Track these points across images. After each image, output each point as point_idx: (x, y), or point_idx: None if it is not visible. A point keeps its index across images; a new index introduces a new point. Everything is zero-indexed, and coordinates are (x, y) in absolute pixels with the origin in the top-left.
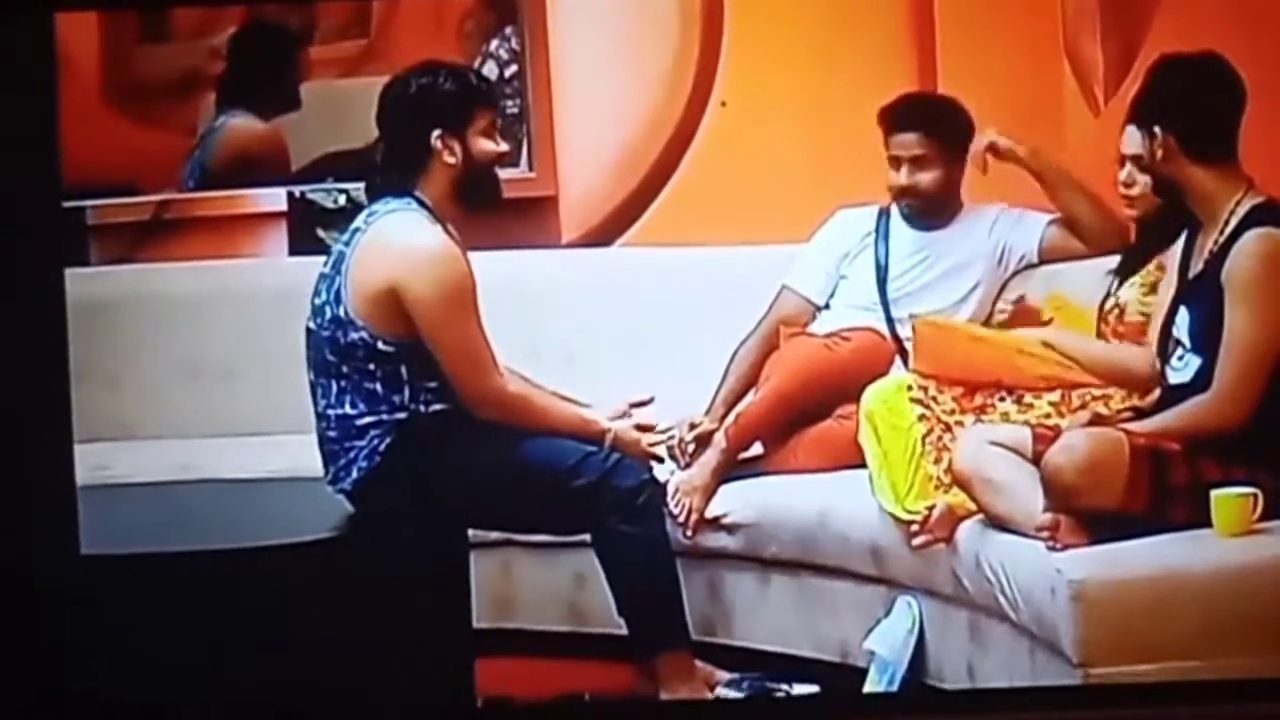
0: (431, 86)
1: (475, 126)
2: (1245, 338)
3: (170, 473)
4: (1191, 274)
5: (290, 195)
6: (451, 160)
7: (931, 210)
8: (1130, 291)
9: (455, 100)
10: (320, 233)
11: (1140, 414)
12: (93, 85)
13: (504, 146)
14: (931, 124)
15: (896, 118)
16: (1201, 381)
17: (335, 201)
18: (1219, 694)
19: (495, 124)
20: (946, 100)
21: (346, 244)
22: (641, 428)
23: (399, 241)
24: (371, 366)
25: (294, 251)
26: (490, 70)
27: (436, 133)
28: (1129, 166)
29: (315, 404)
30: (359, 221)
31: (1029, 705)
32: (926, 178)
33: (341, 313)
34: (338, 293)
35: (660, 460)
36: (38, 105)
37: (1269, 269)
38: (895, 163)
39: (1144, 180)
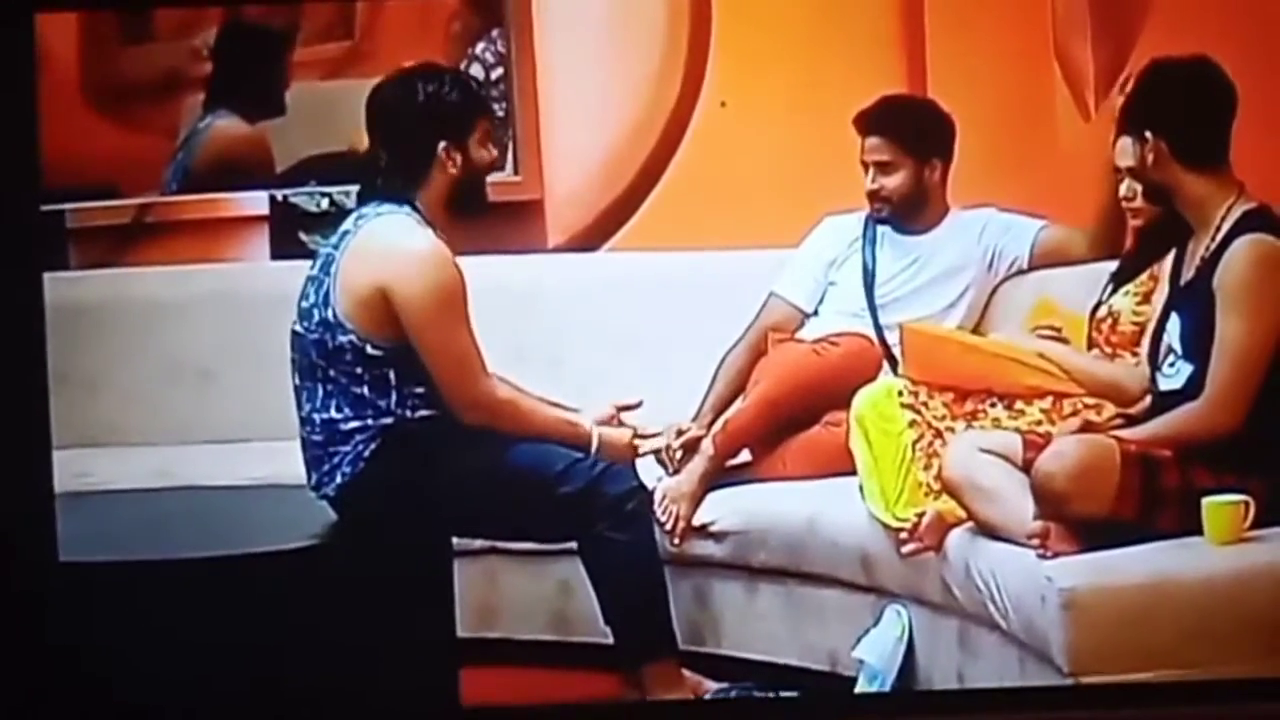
0: (439, 95)
1: (475, 136)
2: (1236, 343)
3: (150, 479)
4: (1183, 280)
5: (272, 199)
6: (453, 170)
7: (904, 214)
8: (1124, 300)
9: (461, 110)
10: (303, 236)
11: (1131, 421)
12: (72, 86)
13: (495, 154)
14: (895, 128)
15: (864, 123)
16: (1193, 389)
17: (318, 205)
18: (1211, 694)
19: (490, 132)
20: (915, 103)
21: (335, 247)
22: (624, 407)
23: (389, 244)
24: (359, 370)
25: (276, 255)
26: (476, 73)
27: (443, 144)
28: (1128, 179)
29: (299, 408)
30: (348, 224)
31: (1019, 706)
32: (891, 182)
33: (330, 315)
34: (326, 295)
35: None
36: (17, 108)
37: (1260, 274)
38: (864, 168)
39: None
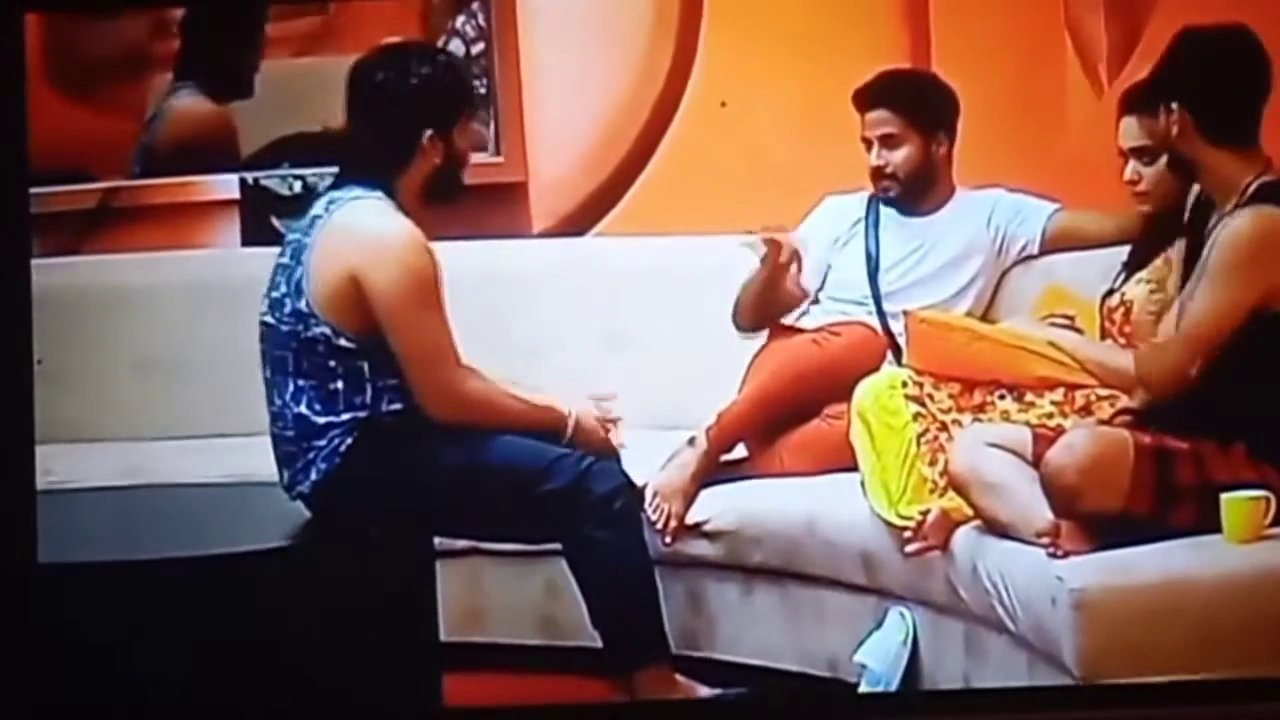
0: (431, 80)
1: (460, 125)
2: (1200, 306)
3: (119, 477)
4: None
5: (243, 182)
6: (435, 159)
7: (910, 193)
8: (1138, 288)
9: (451, 98)
10: (275, 221)
11: (1135, 415)
12: (34, 66)
13: (474, 141)
14: (899, 100)
15: (865, 97)
16: (1209, 377)
17: (291, 188)
18: (1223, 694)
19: (473, 120)
20: (918, 75)
21: (306, 233)
22: (598, 398)
23: (360, 229)
24: (333, 364)
25: (247, 241)
26: (456, 48)
27: (429, 132)
28: (1132, 161)
29: (270, 403)
30: (318, 209)
31: (1026, 706)
32: (897, 156)
33: (303, 305)
34: (298, 284)
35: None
36: (5, 103)
37: (1250, 246)
38: (867, 144)
39: (1149, 174)
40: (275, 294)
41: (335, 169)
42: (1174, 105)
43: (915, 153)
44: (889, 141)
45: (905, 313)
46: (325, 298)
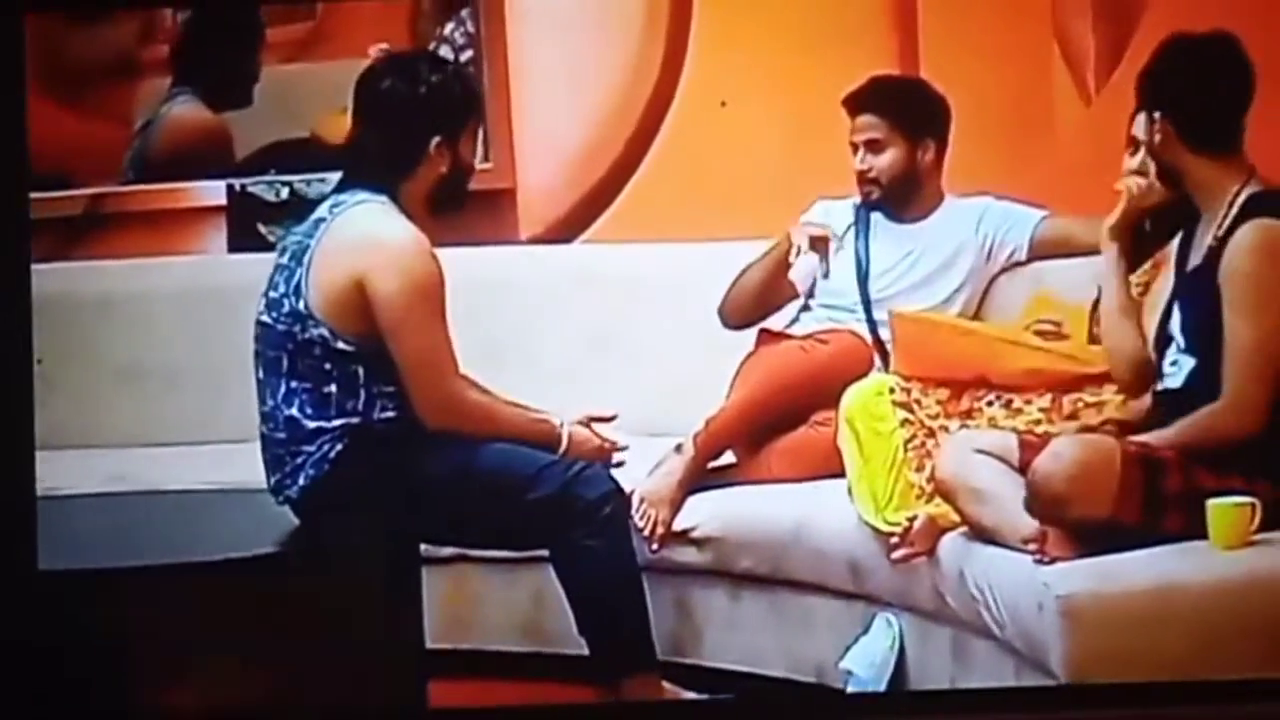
0: (441, 87)
1: (466, 135)
2: (1245, 341)
3: (104, 484)
4: (1189, 268)
5: (230, 188)
6: (441, 168)
7: (895, 199)
8: None
9: (460, 106)
10: (261, 228)
11: (1124, 428)
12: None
13: (478, 153)
14: (887, 105)
15: (854, 102)
16: (1193, 387)
17: (278, 194)
18: (1210, 694)
19: (479, 131)
20: (908, 82)
21: (309, 235)
22: (597, 419)
23: (366, 233)
24: (328, 366)
25: (234, 248)
26: (444, 55)
27: (437, 139)
28: (1142, 152)
29: (262, 403)
30: (323, 211)
31: (1012, 707)
32: (881, 162)
33: (301, 306)
34: (298, 285)
35: (620, 459)
36: (5, 105)
37: (1262, 262)
38: (854, 149)
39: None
40: (273, 294)
41: (322, 175)
42: (1155, 114)
43: (899, 158)
44: (873, 146)
45: (891, 313)
46: (327, 300)
